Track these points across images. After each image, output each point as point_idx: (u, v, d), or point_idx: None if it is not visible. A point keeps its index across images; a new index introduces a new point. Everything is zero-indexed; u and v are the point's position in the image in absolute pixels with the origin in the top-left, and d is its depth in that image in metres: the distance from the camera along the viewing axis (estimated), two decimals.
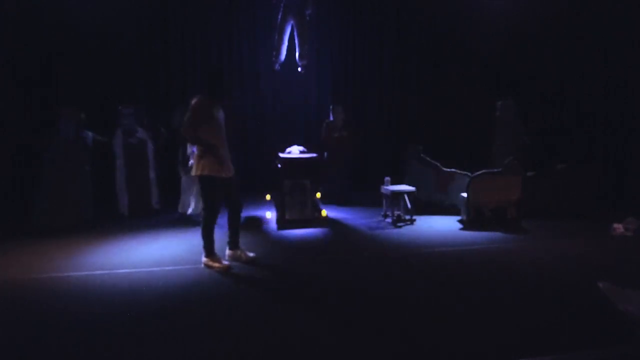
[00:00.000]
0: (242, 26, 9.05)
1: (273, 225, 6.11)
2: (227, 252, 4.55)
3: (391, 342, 2.82)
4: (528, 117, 7.68)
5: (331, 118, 7.74)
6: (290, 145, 6.88)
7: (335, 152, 7.57)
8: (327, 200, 7.27)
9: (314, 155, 6.46)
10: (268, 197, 7.25)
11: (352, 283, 3.93)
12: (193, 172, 4.32)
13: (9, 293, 3.76)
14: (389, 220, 6.25)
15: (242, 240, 4.69)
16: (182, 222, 6.18)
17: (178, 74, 8.73)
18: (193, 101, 4.20)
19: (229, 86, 4.40)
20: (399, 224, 6.07)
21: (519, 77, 8.81)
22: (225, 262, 4.36)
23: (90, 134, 6.50)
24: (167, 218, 6.48)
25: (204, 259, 4.34)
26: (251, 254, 4.58)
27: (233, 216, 4.49)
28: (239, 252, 4.54)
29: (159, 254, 4.81)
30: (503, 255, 4.61)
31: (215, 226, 4.37)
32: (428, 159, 7.14)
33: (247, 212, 6.96)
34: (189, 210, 6.25)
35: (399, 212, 6.25)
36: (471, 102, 8.92)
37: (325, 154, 7.58)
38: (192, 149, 5.33)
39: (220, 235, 4.68)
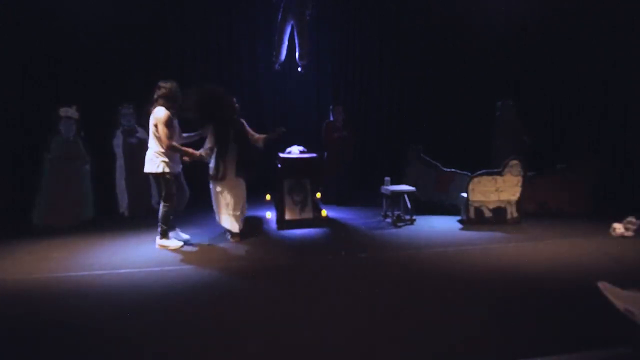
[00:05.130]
0: (242, 26, 9.04)
1: (273, 225, 6.11)
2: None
3: (391, 342, 2.82)
4: (528, 117, 7.68)
5: (331, 118, 7.74)
6: (290, 145, 6.88)
7: (336, 152, 7.57)
8: (327, 200, 7.27)
9: (314, 155, 6.46)
10: (268, 197, 7.25)
11: (352, 283, 3.93)
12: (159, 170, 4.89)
13: (9, 293, 3.75)
14: (389, 220, 6.25)
15: (243, 240, 4.81)
16: (181, 222, 6.17)
17: (177, 74, 8.70)
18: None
19: None
20: (399, 224, 6.07)
21: (519, 77, 8.80)
22: (179, 242, 5.06)
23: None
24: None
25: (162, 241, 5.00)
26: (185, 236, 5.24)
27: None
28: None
29: (159, 254, 4.81)
30: (503, 255, 4.61)
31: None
32: (428, 159, 7.14)
33: (247, 212, 6.97)
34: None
35: (399, 212, 6.25)
36: (471, 102, 8.92)
37: (325, 154, 7.58)
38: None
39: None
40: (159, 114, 4.79)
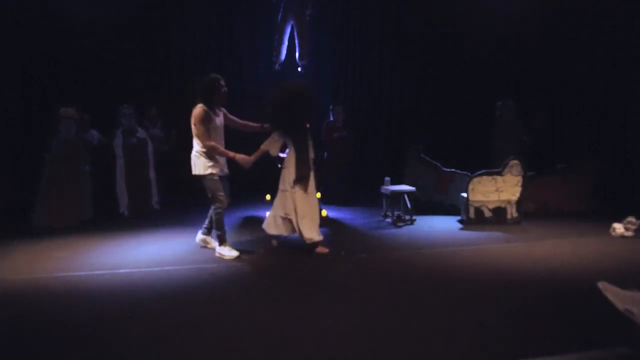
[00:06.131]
0: (242, 26, 9.05)
1: None
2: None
3: (391, 342, 2.82)
4: (528, 117, 7.68)
5: (331, 118, 7.75)
6: None
7: (336, 152, 7.57)
8: (327, 200, 7.26)
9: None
10: (268, 197, 7.23)
11: (352, 283, 3.93)
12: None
13: (9, 293, 3.75)
14: (389, 220, 6.25)
15: (243, 239, 4.84)
16: (181, 222, 6.17)
17: (177, 74, 8.72)
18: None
19: None
20: (399, 224, 6.07)
21: (519, 77, 8.80)
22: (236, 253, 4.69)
23: (96, 133, 6.56)
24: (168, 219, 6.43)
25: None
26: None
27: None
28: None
29: (159, 254, 4.81)
30: (503, 255, 4.61)
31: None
32: (428, 159, 7.14)
33: (247, 212, 6.98)
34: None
35: (399, 212, 6.25)
36: (471, 102, 8.92)
37: (325, 154, 7.59)
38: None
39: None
40: (195, 111, 4.55)
